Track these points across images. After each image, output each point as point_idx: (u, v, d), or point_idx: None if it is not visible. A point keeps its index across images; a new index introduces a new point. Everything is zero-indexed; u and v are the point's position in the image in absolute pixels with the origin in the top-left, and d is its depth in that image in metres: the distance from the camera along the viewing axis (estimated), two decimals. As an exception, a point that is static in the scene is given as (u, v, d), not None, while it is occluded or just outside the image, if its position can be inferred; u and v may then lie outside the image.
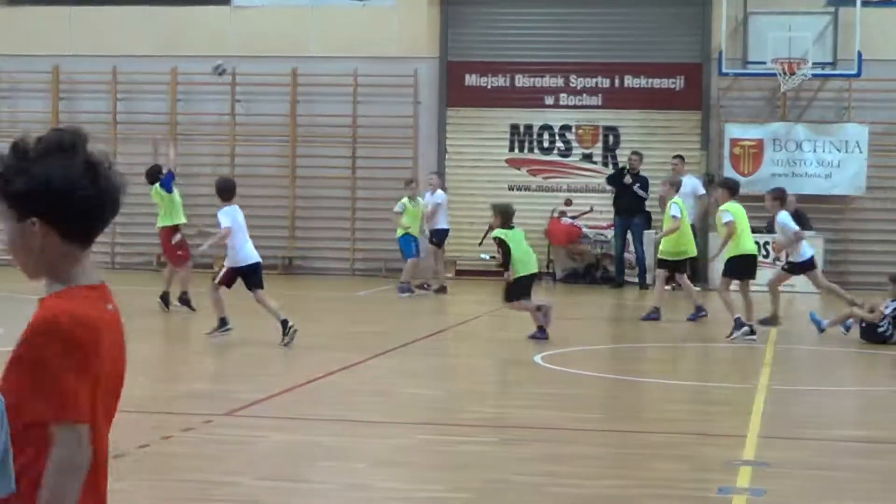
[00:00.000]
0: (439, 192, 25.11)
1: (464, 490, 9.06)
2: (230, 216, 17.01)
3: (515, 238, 17.65)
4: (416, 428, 11.50)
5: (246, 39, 28.31)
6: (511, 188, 28.19)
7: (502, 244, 17.49)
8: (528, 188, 28.34)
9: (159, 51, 28.48)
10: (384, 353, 16.21)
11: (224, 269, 17.02)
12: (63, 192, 3.58)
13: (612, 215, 27.08)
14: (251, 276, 16.80)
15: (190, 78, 28.36)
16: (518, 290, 17.56)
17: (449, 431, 11.29)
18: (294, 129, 28.70)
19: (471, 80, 28.49)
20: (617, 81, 28.18)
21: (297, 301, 24.01)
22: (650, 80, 28.04)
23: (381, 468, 9.77)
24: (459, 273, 27.73)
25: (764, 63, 27.03)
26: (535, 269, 17.91)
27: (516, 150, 28.45)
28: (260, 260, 17.10)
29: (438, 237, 24.85)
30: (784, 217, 19.55)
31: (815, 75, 27.08)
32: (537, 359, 15.73)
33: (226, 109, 28.71)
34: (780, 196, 19.80)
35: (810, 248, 20.13)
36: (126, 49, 28.68)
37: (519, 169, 28.40)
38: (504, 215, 17.71)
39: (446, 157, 28.47)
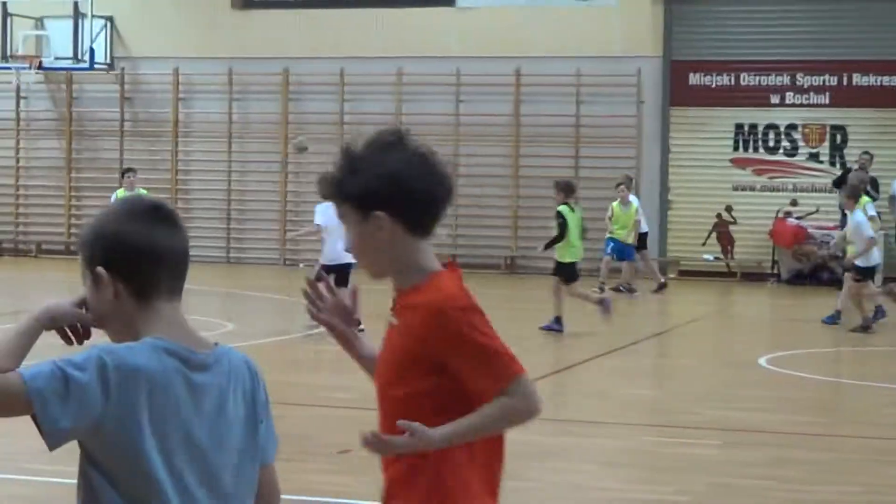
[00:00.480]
0: (633, 196, 24.88)
1: (687, 493, 9.00)
2: None
3: (573, 219, 17.85)
4: (638, 429, 11.46)
5: (469, 40, 28.52)
6: (735, 188, 27.84)
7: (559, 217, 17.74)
8: (752, 188, 27.94)
9: (385, 52, 28.88)
10: (604, 353, 16.17)
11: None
12: (406, 184, 3.64)
13: (839, 216, 26.50)
14: None
15: (414, 79, 28.70)
16: (570, 273, 17.82)
17: (671, 433, 11.22)
18: (517, 128, 28.80)
19: (695, 78, 28.20)
20: (845, 79, 27.58)
21: (516, 301, 24.10)
22: (879, 78, 27.35)
23: (601, 468, 9.76)
24: (682, 273, 27.48)
25: None
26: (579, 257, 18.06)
27: (741, 150, 28.05)
28: None
29: (640, 241, 24.73)
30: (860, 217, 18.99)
31: None
32: (761, 361, 15.51)
33: (450, 110, 28.96)
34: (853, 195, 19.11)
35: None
36: (352, 51, 29.15)
37: (744, 169, 27.99)
38: (566, 191, 17.94)
39: (669, 156, 28.24)
